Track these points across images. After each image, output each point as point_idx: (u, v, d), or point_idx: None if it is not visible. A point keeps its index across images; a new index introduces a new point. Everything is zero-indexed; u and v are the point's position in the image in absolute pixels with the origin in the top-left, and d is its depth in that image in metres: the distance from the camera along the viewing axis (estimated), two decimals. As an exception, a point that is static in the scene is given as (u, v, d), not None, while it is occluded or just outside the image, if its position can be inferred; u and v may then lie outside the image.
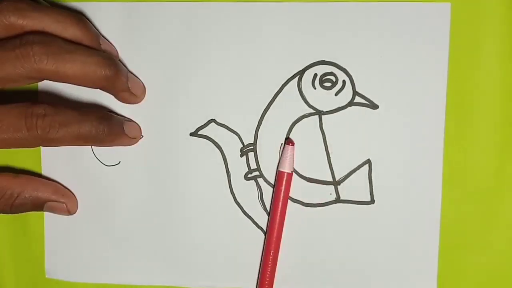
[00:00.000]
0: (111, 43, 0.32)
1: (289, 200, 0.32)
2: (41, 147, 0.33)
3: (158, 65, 0.32)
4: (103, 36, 0.32)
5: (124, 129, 0.31)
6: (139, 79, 0.32)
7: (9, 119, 0.28)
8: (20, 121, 0.28)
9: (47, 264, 0.34)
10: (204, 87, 0.32)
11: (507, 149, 0.31)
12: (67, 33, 0.29)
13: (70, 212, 0.33)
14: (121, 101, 0.32)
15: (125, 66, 0.32)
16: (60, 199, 0.32)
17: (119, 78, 0.30)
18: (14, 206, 0.31)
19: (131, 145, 0.32)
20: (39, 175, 0.33)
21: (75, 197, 0.33)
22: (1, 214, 0.31)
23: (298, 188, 0.32)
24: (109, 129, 0.30)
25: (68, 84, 0.29)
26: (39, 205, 0.32)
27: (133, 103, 0.32)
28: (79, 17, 0.30)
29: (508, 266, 0.32)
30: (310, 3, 0.31)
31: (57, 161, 0.33)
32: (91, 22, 0.31)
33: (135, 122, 0.32)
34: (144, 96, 0.32)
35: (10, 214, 0.32)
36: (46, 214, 0.34)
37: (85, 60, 0.28)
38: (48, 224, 0.34)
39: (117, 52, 0.32)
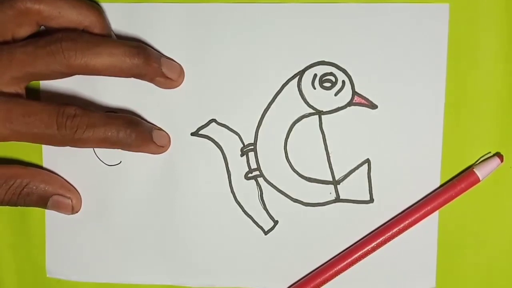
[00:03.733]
0: (116, 39, 0.32)
1: (289, 200, 0.32)
2: (42, 146, 0.33)
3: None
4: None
5: (153, 136, 0.31)
6: (175, 61, 0.32)
7: (42, 115, 0.29)
8: (52, 118, 0.29)
9: (48, 263, 0.34)
10: (204, 87, 0.32)
11: (505, 149, 0.32)
12: (82, 18, 0.30)
13: (74, 209, 0.33)
14: (159, 86, 0.32)
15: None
16: (67, 194, 0.32)
17: (149, 65, 0.30)
18: (21, 196, 0.31)
19: (159, 153, 0.32)
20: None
21: (79, 194, 0.33)
22: (7, 205, 0.31)
23: (298, 188, 0.32)
24: (137, 134, 0.31)
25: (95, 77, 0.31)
26: (45, 198, 0.32)
27: (171, 88, 0.32)
28: (94, 3, 0.31)
29: (507, 266, 0.32)
30: (310, 4, 0.31)
31: (59, 160, 0.33)
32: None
33: (165, 131, 0.32)
34: (183, 79, 0.32)
35: (13, 209, 0.32)
36: (48, 213, 0.34)
37: (111, 51, 0.29)
38: (49, 223, 0.34)
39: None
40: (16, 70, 0.30)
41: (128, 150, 0.31)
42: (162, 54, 0.32)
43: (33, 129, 0.29)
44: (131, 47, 0.30)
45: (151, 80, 0.31)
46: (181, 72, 0.32)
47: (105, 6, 0.32)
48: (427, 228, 0.32)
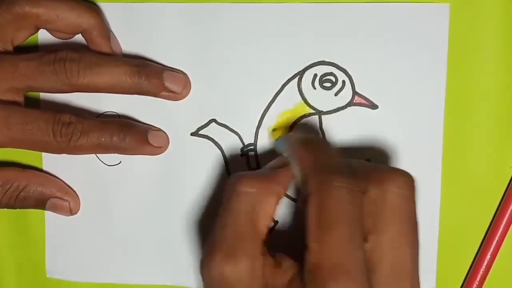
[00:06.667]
0: (117, 40, 0.32)
1: (288, 199, 0.32)
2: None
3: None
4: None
5: (149, 138, 0.31)
6: (179, 72, 0.32)
7: (39, 123, 0.30)
8: (48, 126, 0.30)
9: (48, 263, 0.34)
10: (204, 87, 0.32)
11: (506, 149, 0.32)
12: (81, 21, 0.30)
13: (72, 211, 0.33)
14: (165, 99, 0.32)
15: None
16: (64, 196, 0.33)
17: (150, 82, 0.31)
18: (18, 200, 0.31)
19: (157, 154, 0.32)
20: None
21: (78, 196, 0.33)
22: (4, 208, 0.31)
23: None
24: (131, 137, 0.31)
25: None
26: (42, 201, 0.32)
27: (177, 100, 0.32)
28: (93, 6, 0.31)
29: (508, 266, 0.32)
30: (310, 4, 0.31)
31: (58, 160, 0.33)
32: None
33: (163, 131, 0.32)
34: (189, 90, 0.32)
35: (12, 210, 0.32)
36: (47, 213, 0.34)
37: (112, 71, 0.30)
38: (49, 223, 0.34)
39: (121, 49, 0.32)
40: (17, 82, 0.30)
41: (125, 154, 0.32)
42: (166, 67, 0.32)
43: (30, 136, 0.30)
44: (131, 66, 0.30)
45: (154, 95, 0.31)
46: (186, 83, 0.32)
47: (105, 6, 0.32)
48: (428, 228, 0.32)
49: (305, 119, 0.32)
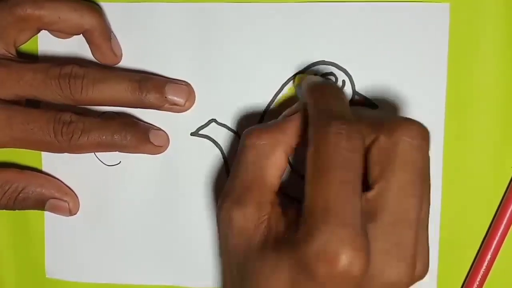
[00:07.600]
0: (117, 40, 0.32)
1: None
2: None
3: (158, 66, 0.32)
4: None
5: (150, 136, 0.31)
6: (183, 83, 0.32)
7: (40, 122, 0.30)
8: (49, 125, 0.30)
9: (47, 264, 0.34)
10: (204, 87, 0.32)
11: (507, 148, 0.31)
12: (83, 22, 0.30)
13: (71, 212, 0.33)
14: (169, 111, 0.32)
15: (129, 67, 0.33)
16: (63, 197, 0.33)
17: (152, 97, 0.31)
18: (17, 201, 0.31)
19: (158, 153, 0.32)
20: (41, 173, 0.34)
21: (77, 197, 0.33)
22: (4, 209, 0.32)
23: (298, 188, 0.32)
24: (132, 135, 0.31)
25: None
26: (41, 202, 0.32)
27: (181, 112, 0.32)
28: (95, 6, 0.31)
29: (508, 266, 0.32)
30: (310, 4, 0.31)
31: (58, 160, 0.33)
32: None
33: (163, 131, 0.32)
34: (192, 101, 0.32)
35: (12, 211, 0.32)
36: (47, 214, 0.34)
37: (114, 87, 0.30)
38: (49, 224, 0.34)
39: (121, 49, 0.32)
40: (22, 91, 0.30)
41: (126, 152, 0.32)
42: (169, 78, 0.32)
43: (31, 136, 0.30)
44: (132, 82, 0.30)
45: (158, 109, 0.31)
46: (189, 94, 0.32)
47: (105, 6, 0.32)
48: (429, 228, 0.32)
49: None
